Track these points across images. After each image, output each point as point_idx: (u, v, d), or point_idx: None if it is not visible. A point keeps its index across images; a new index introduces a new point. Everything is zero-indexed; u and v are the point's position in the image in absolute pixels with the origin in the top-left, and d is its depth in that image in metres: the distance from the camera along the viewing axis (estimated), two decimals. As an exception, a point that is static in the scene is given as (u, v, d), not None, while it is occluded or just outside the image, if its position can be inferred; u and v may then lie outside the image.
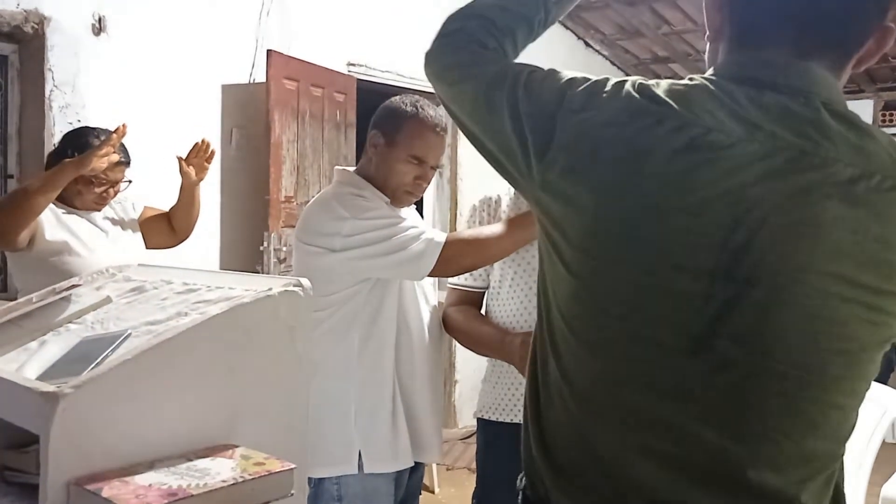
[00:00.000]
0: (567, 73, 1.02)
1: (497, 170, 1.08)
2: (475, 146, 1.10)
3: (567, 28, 5.73)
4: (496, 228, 1.83)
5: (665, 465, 0.95)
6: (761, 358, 0.90)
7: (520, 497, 1.12)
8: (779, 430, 0.92)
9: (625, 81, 0.97)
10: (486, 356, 1.99)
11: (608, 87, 0.97)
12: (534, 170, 0.99)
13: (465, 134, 1.12)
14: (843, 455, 0.99)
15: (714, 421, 0.92)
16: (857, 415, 0.98)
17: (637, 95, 0.94)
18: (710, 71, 0.99)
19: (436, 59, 1.16)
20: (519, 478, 1.13)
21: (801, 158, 0.89)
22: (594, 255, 0.96)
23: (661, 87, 0.95)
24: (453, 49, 1.14)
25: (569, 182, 0.96)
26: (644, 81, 0.97)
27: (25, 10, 3.20)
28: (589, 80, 1.00)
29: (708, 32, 1.03)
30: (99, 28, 3.41)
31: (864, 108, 5.98)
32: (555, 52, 5.53)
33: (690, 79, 0.98)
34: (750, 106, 0.91)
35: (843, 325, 0.90)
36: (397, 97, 1.96)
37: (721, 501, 0.94)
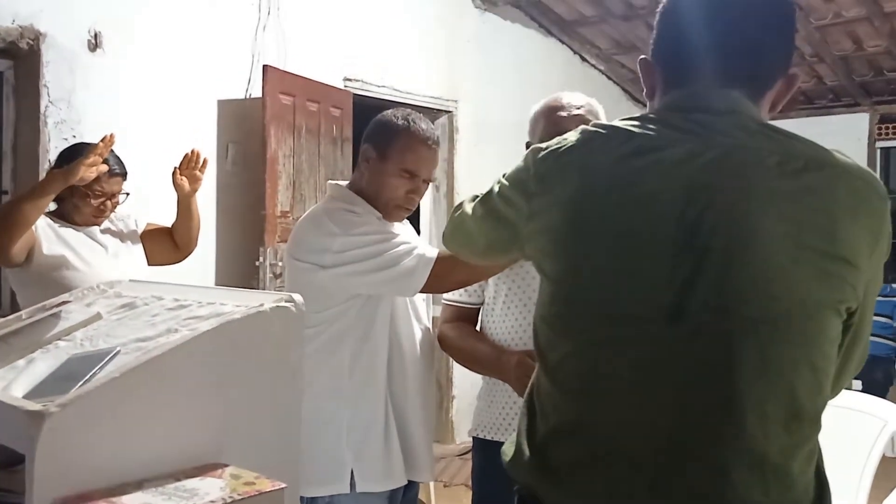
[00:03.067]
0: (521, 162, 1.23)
1: (500, 246, 1.29)
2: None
3: (563, 43, 5.75)
4: (490, 243, 1.82)
5: (656, 438, 1.03)
6: (731, 316, 1.00)
7: (515, 499, 1.17)
8: (759, 388, 1.00)
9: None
10: (482, 374, 1.98)
11: (567, 134, 1.17)
12: (522, 210, 1.17)
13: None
14: (821, 428, 1.07)
15: (700, 383, 1.01)
16: (829, 389, 1.07)
17: (589, 127, 1.16)
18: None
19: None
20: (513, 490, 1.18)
21: (732, 151, 1.05)
22: (569, 256, 1.10)
23: (611, 121, 1.15)
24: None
25: (545, 203, 1.13)
26: (595, 121, 1.19)
27: (21, 26, 3.20)
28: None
29: (645, 91, 1.20)
30: (95, 44, 3.41)
31: (860, 122, 5.99)
32: (551, 66, 5.56)
33: (635, 114, 1.16)
34: (683, 122, 1.09)
35: (798, 282, 1.01)
36: (389, 111, 1.95)
37: (712, 467, 1.01)
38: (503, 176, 1.24)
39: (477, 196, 1.31)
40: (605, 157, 1.09)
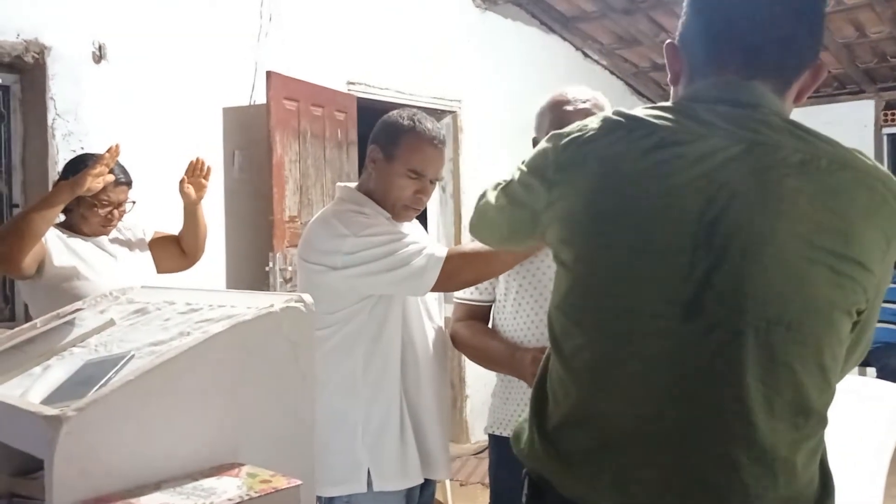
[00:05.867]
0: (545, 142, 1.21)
1: (522, 231, 1.27)
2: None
3: (565, 39, 5.75)
4: (498, 241, 1.83)
5: (666, 431, 1.04)
6: (745, 316, 1.00)
7: (525, 482, 1.19)
8: (768, 385, 1.01)
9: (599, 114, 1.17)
10: (496, 371, 1.98)
11: (587, 120, 1.15)
12: (542, 197, 1.16)
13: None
14: (827, 423, 1.09)
15: (711, 379, 1.02)
16: (835, 387, 1.08)
17: (611, 116, 1.13)
18: (673, 101, 1.17)
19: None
20: (523, 473, 1.20)
21: (755, 147, 1.04)
22: (587, 247, 1.10)
23: (631, 110, 1.12)
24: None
25: (564, 192, 1.13)
26: (617, 108, 1.15)
27: (26, 40, 3.23)
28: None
29: (669, 76, 1.18)
30: (99, 56, 3.44)
31: (865, 109, 5.95)
32: (553, 63, 5.56)
33: (659, 103, 1.14)
34: (707, 114, 1.08)
35: (812, 285, 1.01)
36: (395, 111, 1.96)
37: (721, 460, 1.02)
38: (523, 163, 1.23)
39: (499, 184, 1.31)
40: (627, 150, 1.08)
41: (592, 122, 1.14)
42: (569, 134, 1.15)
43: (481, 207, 1.35)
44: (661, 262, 1.04)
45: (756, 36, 1.08)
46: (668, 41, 1.17)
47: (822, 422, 1.08)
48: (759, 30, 1.08)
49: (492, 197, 1.31)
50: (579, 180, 1.11)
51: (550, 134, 1.19)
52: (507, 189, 1.27)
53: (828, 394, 1.07)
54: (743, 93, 1.08)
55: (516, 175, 1.24)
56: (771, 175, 1.02)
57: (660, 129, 1.07)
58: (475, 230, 1.41)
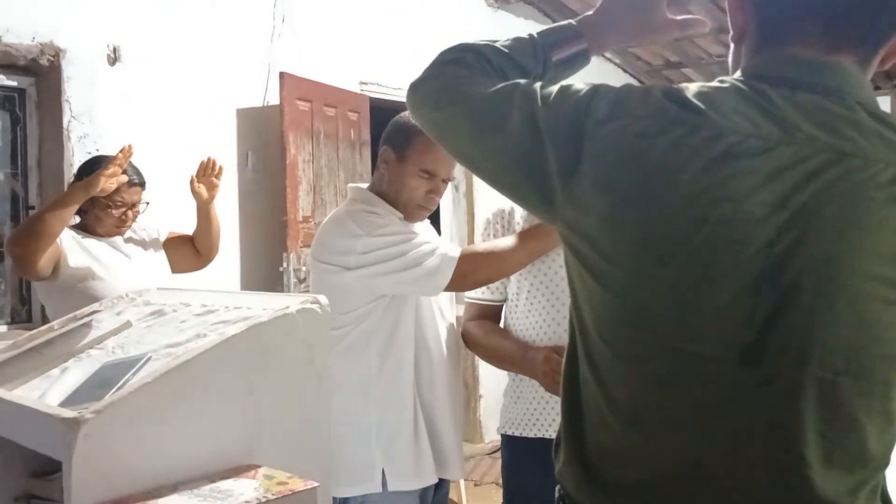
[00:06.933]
0: (585, 85, 0.97)
1: (501, 189, 1.04)
2: (472, 169, 1.08)
3: (577, 38, 5.74)
4: (510, 241, 1.82)
5: (714, 480, 0.93)
6: (810, 367, 0.88)
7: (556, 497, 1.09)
8: (829, 438, 0.90)
9: (652, 88, 0.95)
10: (508, 371, 1.98)
11: (635, 96, 0.94)
12: (557, 187, 0.95)
13: (457, 158, 1.10)
14: (888, 463, 0.97)
15: (763, 432, 0.91)
16: None
17: (668, 103, 0.91)
18: (738, 73, 0.97)
19: (424, 83, 1.07)
20: (556, 489, 1.10)
21: (840, 160, 0.87)
22: (631, 269, 0.92)
23: (691, 91, 0.92)
24: (446, 74, 1.06)
25: (600, 196, 0.93)
26: (674, 87, 0.94)
27: (41, 43, 3.25)
28: (613, 88, 0.96)
29: (732, 32, 0.99)
30: (114, 58, 3.46)
31: (882, 105, 5.88)
32: (566, 62, 5.54)
33: (721, 81, 0.95)
34: (785, 106, 0.89)
35: (889, 330, 0.88)
36: (406, 112, 1.96)
37: None
38: (540, 97, 0.97)
39: (466, 63, 1.05)
40: (688, 159, 0.88)
41: (644, 107, 0.92)
42: (613, 118, 0.92)
43: (459, 79, 1.05)
44: (718, 300, 0.89)
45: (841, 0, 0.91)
46: None
47: (884, 464, 0.97)
48: None
49: (472, 92, 1.02)
50: (624, 187, 0.91)
51: (594, 89, 0.95)
52: (502, 111, 0.98)
53: (891, 435, 0.96)
54: (827, 74, 0.91)
55: (525, 106, 0.97)
56: (854, 200, 0.86)
57: (729, 133, 0.88)
58: (422, 82, 1.08)
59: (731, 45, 1.01)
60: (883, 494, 1.00)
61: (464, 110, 1.03)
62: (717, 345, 0.90)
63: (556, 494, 1.10)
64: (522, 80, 1.03)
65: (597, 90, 0.96)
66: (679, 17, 1.17)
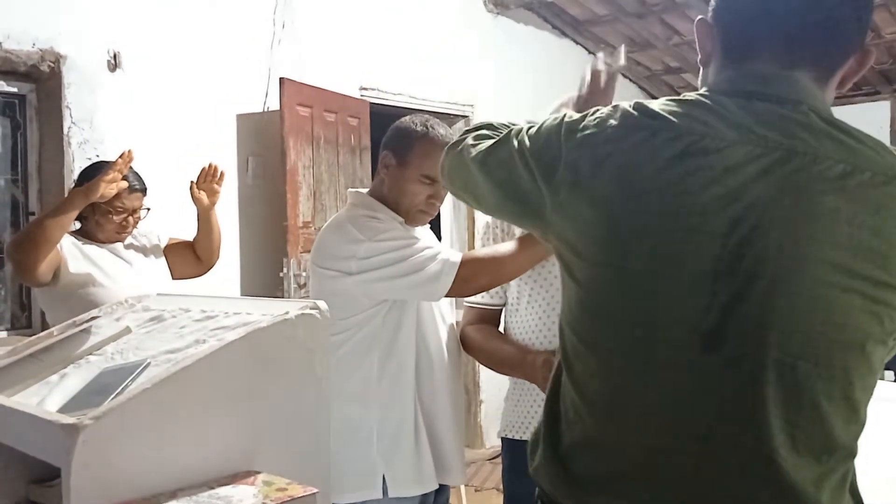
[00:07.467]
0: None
1: (514, 219, 1.19)
2: (490, 212, 1.24)
3: (577, 43, 5.74)
4: (511, 246, 1.82)
5: (685, 468, 0.97)
6: (770, 350, 0.93)
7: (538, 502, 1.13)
8: (793, 423, 0.94)
9: (620, 103, 1.05)
10: (507, 375, 1.98)
11: (605, 110, 1.03)
12: (545, 197, 1.05)
13: (481, 206, 1.22)
14: (856, 454, 1.01)
15: (731, 416, 0.95)
16: (866, 412, 1.00)
17: (632, 112, 1.01)
18: (704, 89, 1.05)
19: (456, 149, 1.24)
20: (535, 491, 1.14)
21: (792, 157, 0.94)
22: (600, 263, 1.01)
23: (655, 104, 1.01)
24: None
25: (575, 197, 1.02)
26: (639, 101, 1.03)
27: (41, 49, 3.25)
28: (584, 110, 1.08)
29: (700, 56, 1.08)
30: (114, 64, 3.46)
31: (881, 110, 5.91)
32: (566, 66, 5.54)
33: (685, 95, 1.03)
34: (740, 113, 0.97)
35: (846, 316, 0.93)
36: (407, 117, 1.96)
37: (739, 497, 0.96)
38: (526, 133, 1.10)
39: (479, 133, 1.18)
40: (650, 158, 0.97)
41: (611, 117, 1.01)
42: (584, 127, 1.03)
43: (461, 158, 1.19)
44: (680, 288, 0.95)
45: (797, 19, 0.98)
46: (700, 17, 1.07)
47: (850, 454, 1.00)
48: (802, 12, 0.98)
49: (474, 153, 1.16)
50: (595, 187, 1.00)
51: (565, 122, 1.06)
52: (499, 155, 1.12)
53: (856, 425, 0.99)
54: (783, 86, 0.98)
55: (515, 144, 1.10)
56: (806, 193, 0.92)
57: (686, 133, 0.96)
58: (449, 179, 1.26)
59: (700, 69, 1.10)
60: (852, 486, 1.03)
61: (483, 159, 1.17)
62: (681, 331, 0.96)
63: (535, 493, 1.14)
64: (514, 126, 1.17)
65: (569, 111, 1.09)
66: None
